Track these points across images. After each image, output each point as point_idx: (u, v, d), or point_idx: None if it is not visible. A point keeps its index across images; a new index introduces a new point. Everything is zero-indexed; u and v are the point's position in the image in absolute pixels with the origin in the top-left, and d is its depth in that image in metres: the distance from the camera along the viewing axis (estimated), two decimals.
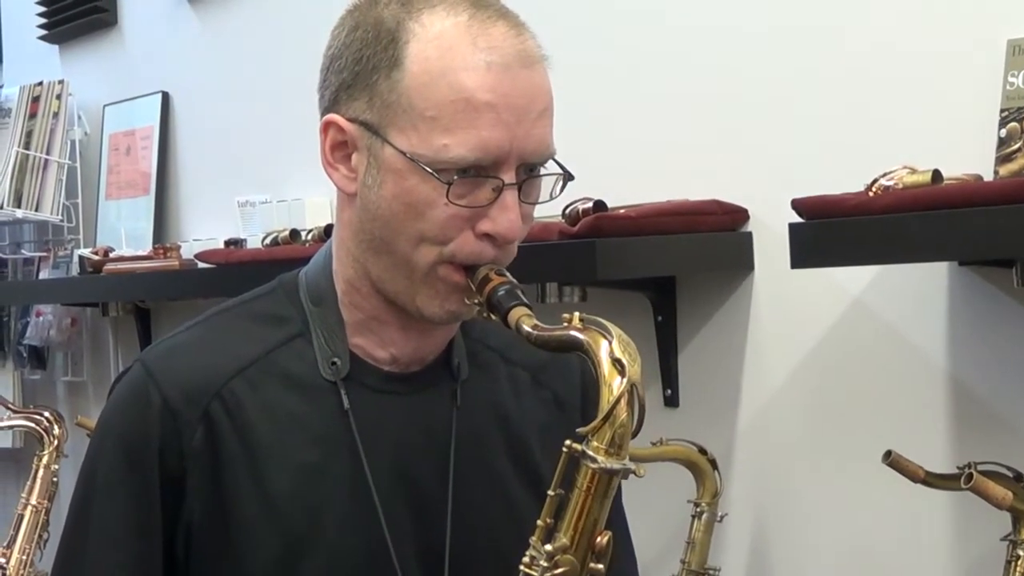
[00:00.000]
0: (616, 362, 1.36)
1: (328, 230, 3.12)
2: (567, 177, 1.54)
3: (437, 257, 1.47)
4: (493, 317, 1.46)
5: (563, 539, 1.36)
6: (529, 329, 1.42)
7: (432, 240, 1.46)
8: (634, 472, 1.36)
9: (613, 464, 1.34)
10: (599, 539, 1.37)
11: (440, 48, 1.44)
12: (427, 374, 1.62)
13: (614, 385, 1.35)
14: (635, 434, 1.36)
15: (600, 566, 1.38)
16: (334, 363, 1.57)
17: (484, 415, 1.65)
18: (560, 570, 1.35)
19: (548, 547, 1.36)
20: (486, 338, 1.71)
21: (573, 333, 1.40)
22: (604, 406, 1.35)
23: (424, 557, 1.56)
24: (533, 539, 1.38)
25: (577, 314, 1.41)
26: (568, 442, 1.37)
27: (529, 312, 1.44)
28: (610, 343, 1.37)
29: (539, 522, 1.38)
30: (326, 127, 1.53)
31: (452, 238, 1.46)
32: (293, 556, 1.50)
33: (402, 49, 1.45)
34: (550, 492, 1.38)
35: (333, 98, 1.52)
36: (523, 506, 1.61)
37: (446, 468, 1.59)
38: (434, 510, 1.57)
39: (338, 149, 1.53)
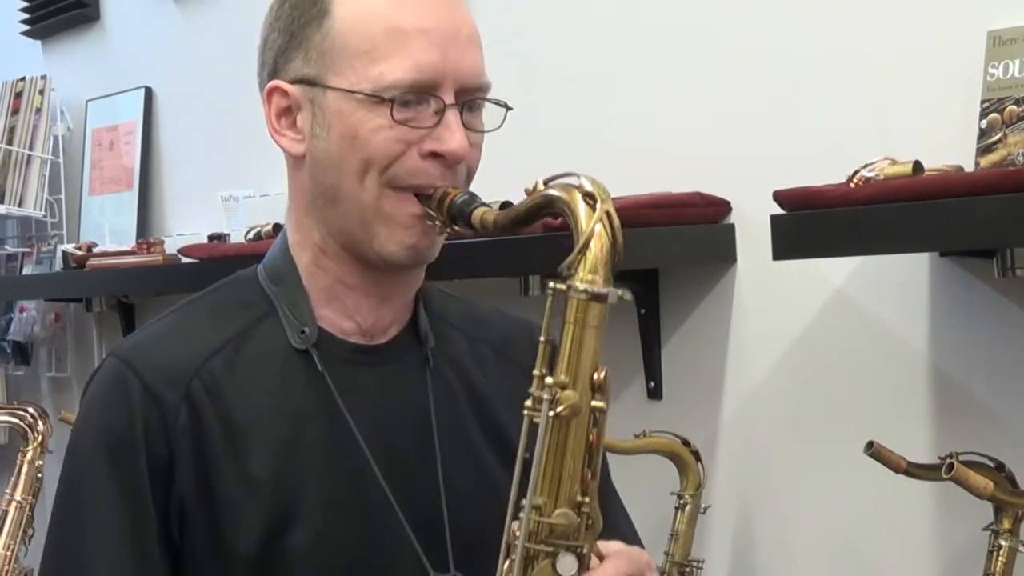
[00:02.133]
0: (587, 196, 1.35)
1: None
2: (507, 109, 1.56)
3: (381, 183, 1.49)
4: (458, 228, 1.47)
5: (562, 376, 1.33)
6: (494, 218, 1.44)
7: (375, 166, 1.49)
8: (621, 296, 1.34)
9: (599, 288, 1.32)
10: (597, 374, 1.35)
11: None
12: (395, 344, 1.63)
13: (588, 216, 1.34)
14: (616, 262, 1.34)
15: (602, 403, 1.35)
16: (303, 332, 1.58)
17: (452, 383, 1.66)
18: (563, 406, 1.32)
19: (549, 380, 1.33)
20: (447, 315, 1.72)
21: (539, 196, 1.39)
22: (581, 236, 1.33)
23: (425, 522, 1.56)
24: (532, 388, 1.35)
25: (539, 180, 1.41)
26: (551, 283, 1.34)
27: (490, 208, 1.46)
28: (579, 187, 1.36)
29: (535, 372, 1.36)
30: (269, 95, 1.57)
31: (395, 159, 1.49)
32: (282, 529, 1.50)
33: (329, 1, 1.51)
34: (541, 339, 1.36)
35: (272, 69, 1.57)
36: (494, 472, 1.62)
37: (429, 430, 1.60)
38: (424, 472, 1.58)
39: (283, 115, 1.57)
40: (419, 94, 1.48)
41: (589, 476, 1.37)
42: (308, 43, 1.52)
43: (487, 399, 1.69)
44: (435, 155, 1.49)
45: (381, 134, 1.48)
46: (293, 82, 1.54)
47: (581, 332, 1.34)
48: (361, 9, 1.49)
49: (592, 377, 1.35)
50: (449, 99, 1.49)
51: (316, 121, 1.52)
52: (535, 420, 1.34)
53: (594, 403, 1.35)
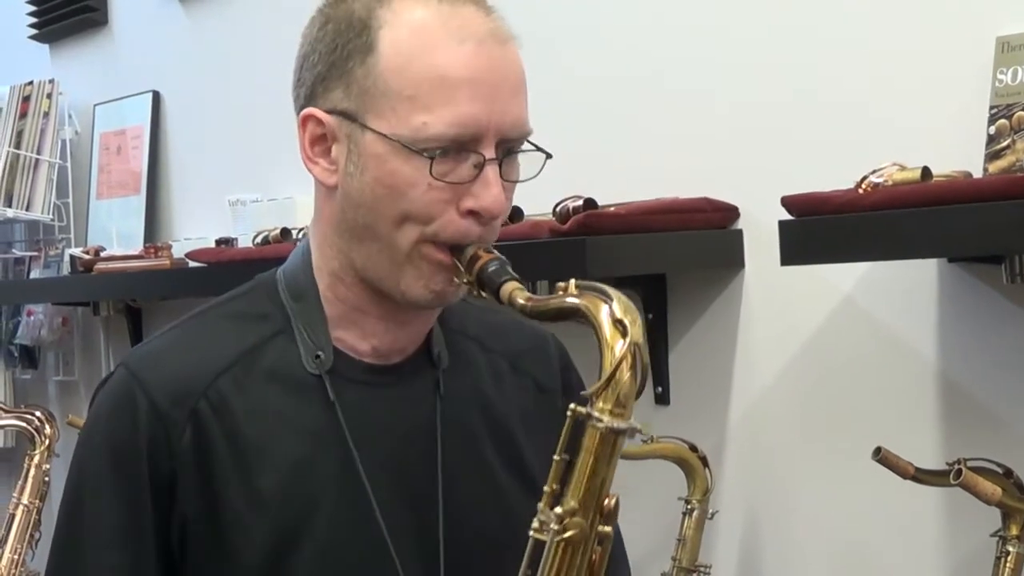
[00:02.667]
0: (617, 323, 1.35)
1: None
2: (547, 156, 1.54)
3: (420, 236, 1.47)
4: (484, 295, 1.46)
5: (571, 502, 1.35)
6: (523, 302, 1.42)
7: (415, 220, 1.46)
8: (639, 431, 1.36)
9: (619, 424, 1.33)
10: (607, 501, 1.37)
11: (413, 30, 1.45)
12: (408, 365, 1.62)
13: (616, 347, 1.34)
14: (639, 394, 1.35)
15: (608, 528, 1.38)
16: (318, 356, 1.56)
17: (467, 403, 1.65)
18: (569, 533, 1.34)
19: (557, 510, 1.34)
20: (464, 328, 1.71)
21: (571, 299, 1.39)
22: (607, 367, 1.34)
23: (419, 546, 1.56)
24: (541, 505, 1.37)
25: (572, 281, 1.40)
26: (573, 406, 1.35)
27: (521, 286, 1.44)
28: (610, 305, 1.36)
29: (546, 488, 1.37)
30: (304, 122, 1.53)
31: (435, 217, 1.46)
32: (285, 551, 1.50)
33: (375, 35, 1.46)
34: (555, 457, 1.37)
35: (309, 93, 1.53)
36: (509, 492, 1.62)
37: (434, 456, 1.59)
38: (425, 499, 1.58)
39: (317, 143, 1.53)
40: (459, 147, 1.45)
41: None
42: (350, 76, 1.47)
43: (503, 418, 1.68)
44: (472, 212, 1.47)
45: (419, 189, 1.45)
46: (331, 112, 1.50)
47: (596, 462, 1.36)
48: (408, 51, 1.45)
49: (602, 504, 1.37)
50: (489, 154, 1.46)
51: (351, 159, 1.49)
52: (540, 540, 1.36)
53: (601, 529, 1.38)
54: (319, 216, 1.60)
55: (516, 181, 1.53)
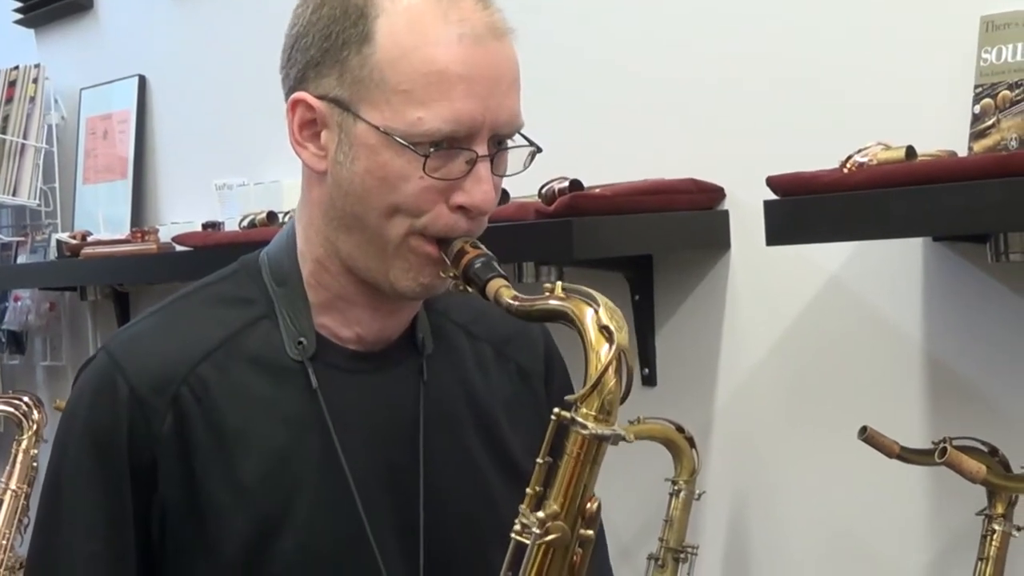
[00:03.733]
0: (603, 329, 1.36)
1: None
2: (536, 150, 1.54)
3: (409, 229, 1.47)
4: (470, 290, 1.46)
5: (553, 506, 1.36)
6: (510, 300, 1.42)
7: (405, 212, 1.46)
8: (624, 438, 1.36)
9: (603, 430, 1.35)
10: (589, 505, 1.38)
11: (411, 21, 1.44)
12: (392, 351, 1.62)
13: (602, 352, 1.35)
14: (623, 400, 1.36)
15: (590, 532, 1.38)
16: (300, 343, 1.56)
17: (451, 390, 1.65)
18: (551, 536, 1.35)
19: (540, 514, 1.35)
20: (449, 312, 1.71)
21: (557, 303, 1.39)
22: (592, 373, 1.35)
23: (399, 534, 1.56)
24: (523, 507, 1.38)
25: (559, 283, 1.41)
26: (557, 410, 1.36)
27: (507, 283, 1.44)
28: (596, 311, 1.37)
29: (528, 490, 1.38)
30: (294, 105, 1.52)
31: (425, 211, 1.46)
32: (266, 538, 1.50)
33: (372, 24, 1.44)
34: (539, 460, 1.38)
35: (300, 76, 1.51)
36: (491, 480, 1.62)
37: (416, 444, 1.59)
38: (406, 487, 1.58)
39: (307, 127, 1.52)
40: (453, 145, 1.44)
41: None
42: (344, 64, 1.46)
43: (486, 405, 1.68)
44: (461, 207, 1.47)
45: (411, 183, 1.45)
46: (322, 98, 1.49)
47: (579, 467, 1.37)
48: (405, 44, 1.43)
49: (584, 507, 1.38)
50: (482, 150, 1.46)
51: (341, 147, 1.48)
52: (522, 543, 1.37)
53: (582, 532, 1.39)
54: (306, 200, 1.59)
55: (504, 175, 1.54)
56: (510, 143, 1.52)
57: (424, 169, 1.43)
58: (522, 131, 1.53)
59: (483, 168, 1.46)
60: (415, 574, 1.57)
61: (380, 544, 1.54)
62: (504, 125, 1.48)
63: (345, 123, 1.47)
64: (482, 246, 1.48)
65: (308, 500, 1.53)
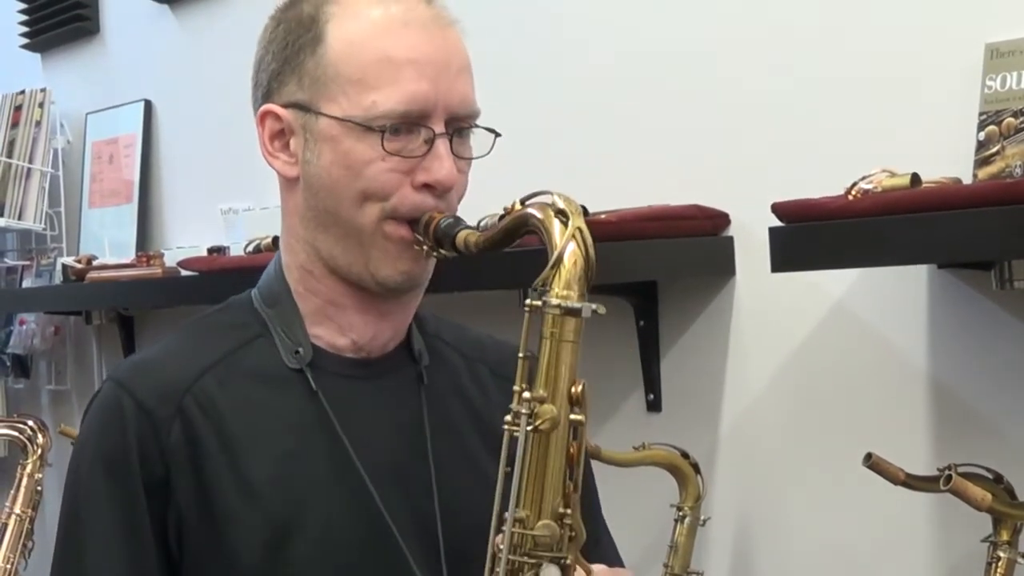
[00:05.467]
0: (559, 213, 1.39)
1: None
2: (496, 135, 1.59)
3: (380, 213, 1.52)
4: (444, 252, 1.51)
5: (540, 391, 1.37)
6: (476, 239, 1.46)
7: (374, 197, 1.52)
8: (595, 310, 1.37)
9: (572, 303, 1.36)
10: (574, 388, 1.38)
11: (358, 19, 1.53)
12: (390, 360, 1.65)
13: (559, 234, 1.38)
14: (589, 278, 1.38)
15: (580, 416, 1.39)
16: (297, 351, 1.60)
17: (449, 397, 1.69)
18: (541, 420, 1.35)
19: (527, 394, 1.36)
20: (441, 334, 1.75)
21: (517, 213, 1.43)
22: (554, 253, 1.37)
23: (418, 528, 1.58)
24: (513, 404, 1.38)
25: (516, 200, 1.45)
26: (528, 300, 1.38)
27: (473, 230, 1.48)
28: (553, 204, 1.40)
29: (514, 387, 1.39)
30: (263, 118, 1.59)
31: (392, 192, 1.51)
32: (282, 540, 1.52)
33: (323, 28, 1.53)
34: (520, 355, 1.39)
35: (265, 91, 1.59)
36: (494, 478, 1.63)
37: (423, 442, 1.62)
38: (418, 483, 1.60)
39: (276, 138, 1.59)
40: (410, 124, 1.50)
41: (571, 488, 1.40)
42: (302, 69, 1.54)
43: (484, 411, 1.71)
44: (427, 186, 1.52)
45: (374, 165, 1.51)
46: (286, 106, 1.56)
47: (557, 347, 1.37)
48: (354, 37, 1.52)
49: (570, 391, 1.38)
50: (439, 128, 1.52)
51: (308, 147, 1.55)
52: (515, 434, 1.37)
53: (572, 416, 1.39)
54: (284, 213, 1.65)
55: (470, 159, 1.59)
56: (470, 126, 1.58)
57: (384, 148, 1.49)
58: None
59: (442, 145, 1.52)
60: (438, 567, 1.59)
61: (405, 539, 1.56)
62: (458, 106, 1.54)
63: (309, 123, 1.54)
64: (454, 215, 1.53)
65: (323, 500, 1.54)
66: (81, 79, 4.73)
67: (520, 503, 1.38)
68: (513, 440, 1.37)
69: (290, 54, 1.55)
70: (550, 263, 1.37)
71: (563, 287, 1.36)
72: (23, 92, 4.59)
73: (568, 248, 1.37)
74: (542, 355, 1.38)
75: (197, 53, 4.15)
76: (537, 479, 1.38)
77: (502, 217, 1.45)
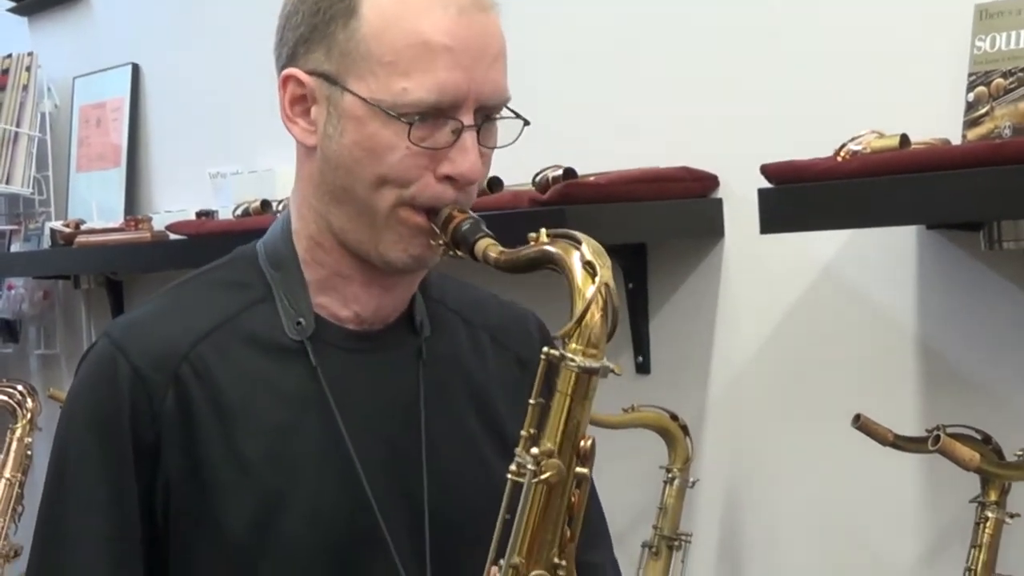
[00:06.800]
0: (587, 265, 1.36)
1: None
2: (524, 123, 1.55)
3: (397, 199, 1.48)
4: (459, 254, 1.47)
5: (548, 444, 1.36)
6: (496, 256, 1.43)
7: (393, 183, 1.47)
8: (613, 371, 1.36)
9: (592, 363, 1.35)
10: (583, 443, 1.38)
11: None
12: (391, 332, 1.63)
13: (586, 289, 1.35)
14: (610, 335, 1.37)
15: (585, 470, 1.39)
16: (299, 323, 1.57)
17: (448, 371, 1.66)
18: (547, 474, 1.35)
19: (534, 451, 1.36)
20: (445, 300, 1.71)
21: (542, 247, 1.40)
22: (578, 308, 1.35)
23: (404, 508, 1.57)
24: (519, 449, 1.38)
25: (543, 230, 1.42)
26: (546, 349, 1.37)
27: (494, 241, 1.45)
28: (580, 250, 1.38)
29: (523, 432, 1.38)
30: (285, 82, 1.53)
31: (412, 181, 1.47)
32: (271, 514, 1.51)
33: None
34: (531, 401, 1.38)
35: (291, 53, 1.53)
36: (490, 460, 1.62)
37: (417, 421, 1.60)
38: (408, 462, 1.58)
39: (297, 103, 1.54)
40: (438, 114, 1.45)
41: (568, 537, 1.41)
42: (332, 39, 1.48)
43: (484, 388, 1.69)
44: (448, 177, 1.48)
45: (398, 153, 1.46)
46: (311, 74, 1.51)
47: (571, 403, 1.37)
48: (389, 16, 1.45)
49: (578, 445, 1.38)
50: (468, 120, 1.46)
51: (330, 121, 1.50)
52: (518, 483, 1.38)
53: (577, 470, 1.39)
54: (298, 177, 1.61)
55: (493, 147, 1.54)
56: (497, 117, 1.53)
57: (410, 139, 1.45)
58: (512, 107, 1.54)
59: (469, 138, 1.47)
60: (420, 547, 1.58)
61: (386, 518, 1.55)
62: (489, 96, 1.49)
63: (333, 97, 1.49)
64: (470, 212, 1.49)
65: (312, 476, 1.54)
66: (68, 43, 4.71)
67: (517, 550, 1.38)
68: (516, 487, 1.38)
69: (320, 21, 1.49)
70: (574, 318, 1.35)
71: (585, 345, 1.35)
72: (10, 56, 4.57)
73: (593, 305, 1.35)
74: (555, 408, 1.37)
75: (185, 16, 4.13)
76: (536, 529, 1.38)
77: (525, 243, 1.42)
